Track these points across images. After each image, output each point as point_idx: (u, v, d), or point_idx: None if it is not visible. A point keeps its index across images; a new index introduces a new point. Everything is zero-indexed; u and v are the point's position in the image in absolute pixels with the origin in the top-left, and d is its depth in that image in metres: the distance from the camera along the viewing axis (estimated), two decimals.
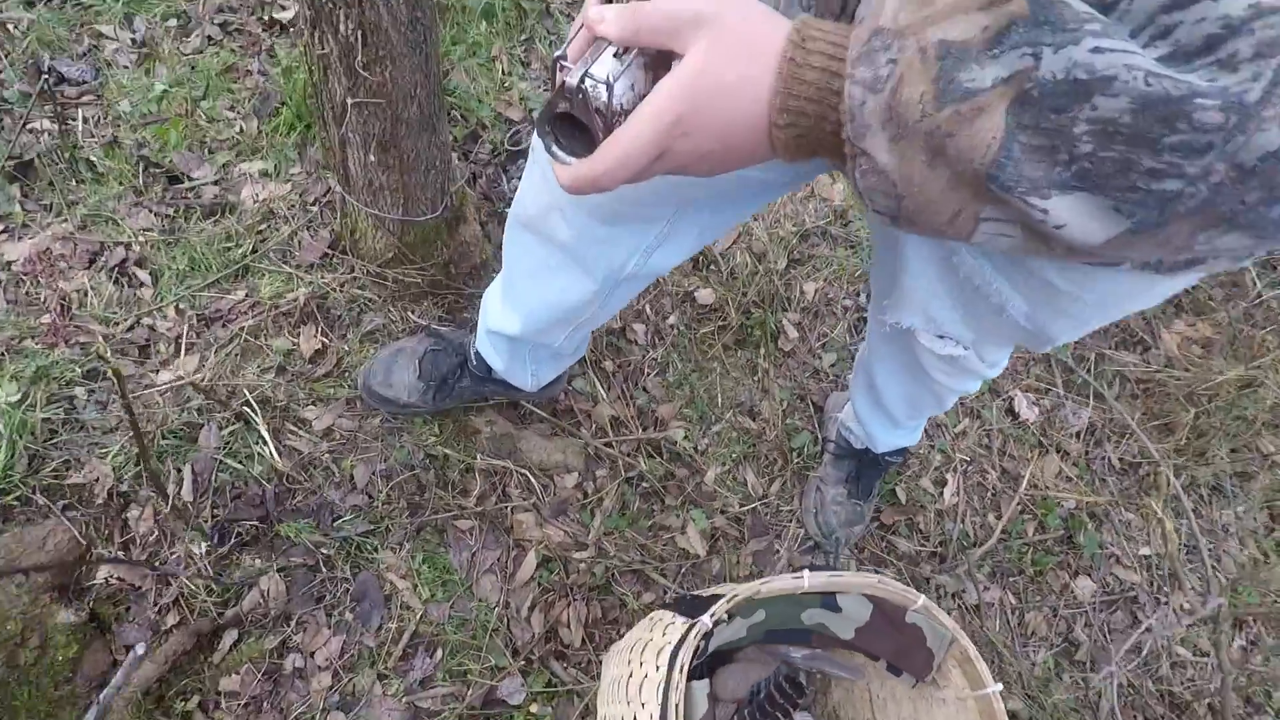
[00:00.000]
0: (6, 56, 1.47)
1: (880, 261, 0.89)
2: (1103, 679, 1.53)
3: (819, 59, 0.42)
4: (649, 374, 1.56)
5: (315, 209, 1.41)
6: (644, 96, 0.44)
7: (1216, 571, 1.77)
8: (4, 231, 1.33)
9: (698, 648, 0.80)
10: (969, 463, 1.70)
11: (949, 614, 1.51)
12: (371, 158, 1.11)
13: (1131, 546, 1.71)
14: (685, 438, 1.51)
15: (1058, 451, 1.77)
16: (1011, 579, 1.61)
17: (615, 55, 0.45)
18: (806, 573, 0.88)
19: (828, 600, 0.92)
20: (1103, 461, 1.79)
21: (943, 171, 0.40)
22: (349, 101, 1.01)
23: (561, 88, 0.46)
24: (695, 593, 1.02)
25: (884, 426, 1.35)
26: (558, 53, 0.47)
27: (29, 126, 1.40)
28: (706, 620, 0.83)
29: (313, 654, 1.16)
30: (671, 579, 1.38)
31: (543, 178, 0.84)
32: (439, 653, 1.23)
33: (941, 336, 0.89)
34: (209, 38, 1.61)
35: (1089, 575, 1.67)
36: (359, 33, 0.91)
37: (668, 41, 0.44)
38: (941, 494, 1.63)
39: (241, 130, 1.47)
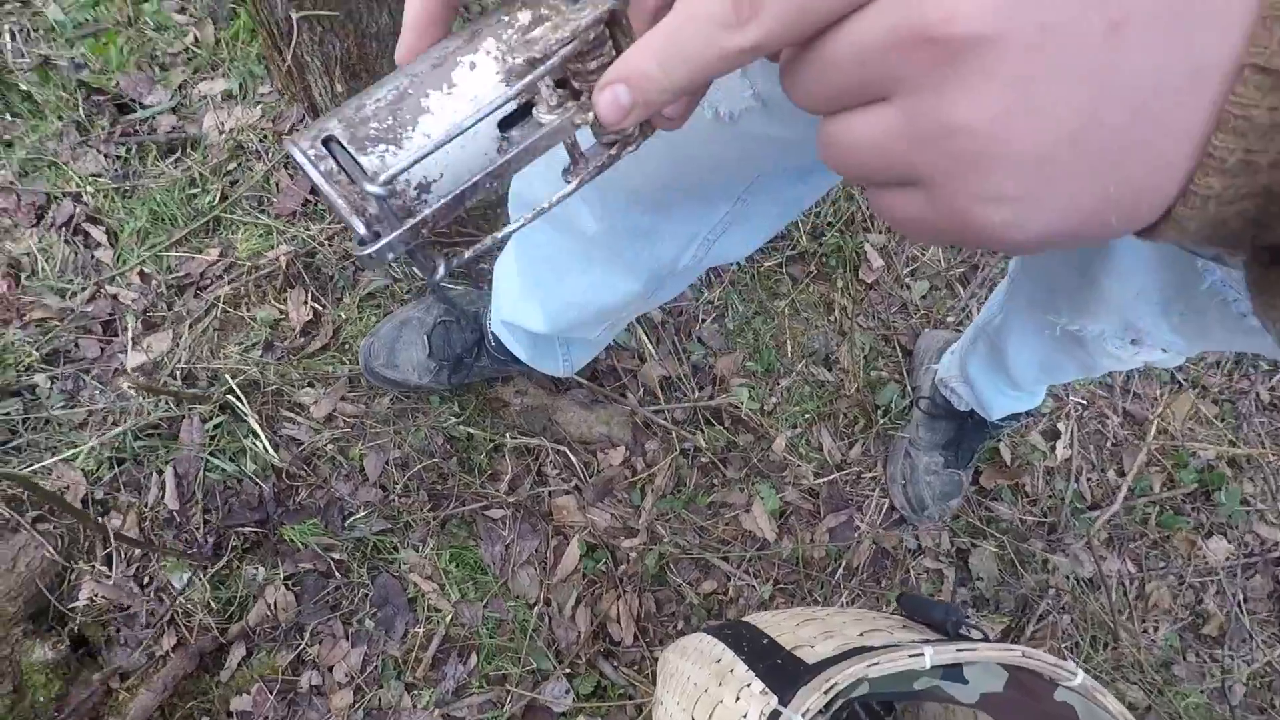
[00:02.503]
0: None
1: (1053, 256, 0.65)
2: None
3: None
4: (704, 321, 1.31)
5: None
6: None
7: None
8: None
9: None
10: (1086, 406, 1.43)
11: (1062, 595, 1.31)
12: (338, 86, 0.84)
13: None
14: (749, 397, 1.28)
15: (1195, 388, 1.48)
16: (1132, 544, 1.38)
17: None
18: (928, 650, 0.67)
19: (950, 672, 0.72)
20: (1251, 399, 1.50)
21: None
22: (293, 16, 0.74)
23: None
24: (770, 637, 0.83)
25: (1001, 391, 1.10)
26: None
27: None
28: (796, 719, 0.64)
29: (331, 668, 1.03)
30: (736, 565, 1.20)
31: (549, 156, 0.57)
32: (473, 658, 1.09)
33: (1135, 342, 0.65)
34: None
35: (1224, 535, 1.43)
36: None
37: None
38: (1053, 448, 1.38)
39: (196, 40, 1.19)
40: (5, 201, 1.11)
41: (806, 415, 1.30)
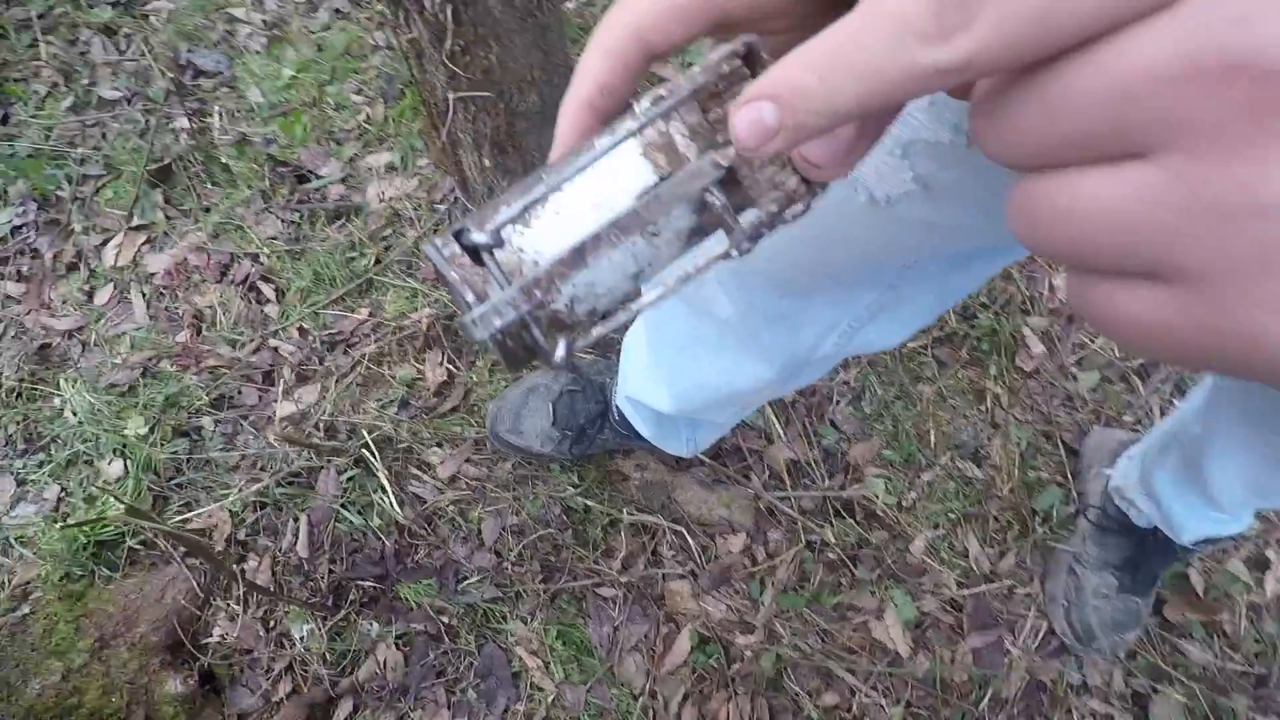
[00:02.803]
0: (151, 51, 1.41)
1: None
2: None
3: None
4: (838, 403, 1.23)
5: (443, 209, 1.21)
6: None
7: None
8: (147, 241, 1.28)
9: None
10: None
11: None
12: (486, 161, 0.87)
13: None
14: (886, 490, 1.17)
15: None
16: None
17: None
18: None
19: None
20: None
21: None
22: (450, 97, 0.77)
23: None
24: None
25: (1196, 511, 0.94)
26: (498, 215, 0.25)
27: (169, 126, 1.33)
28: None
29: None
30: (862, 679, 1.08)
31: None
32: None
33: None
34: (336, 10, 1.45)
35: None
36: (448, 8, 0.65)
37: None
38: (1261, 581, 1.16)
39: (368, 117, 1.30)
40: (198, 259, 1.24)
41: (950, 515, 1.18)
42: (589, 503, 1.12)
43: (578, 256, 0.23)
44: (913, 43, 0.16)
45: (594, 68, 0.26)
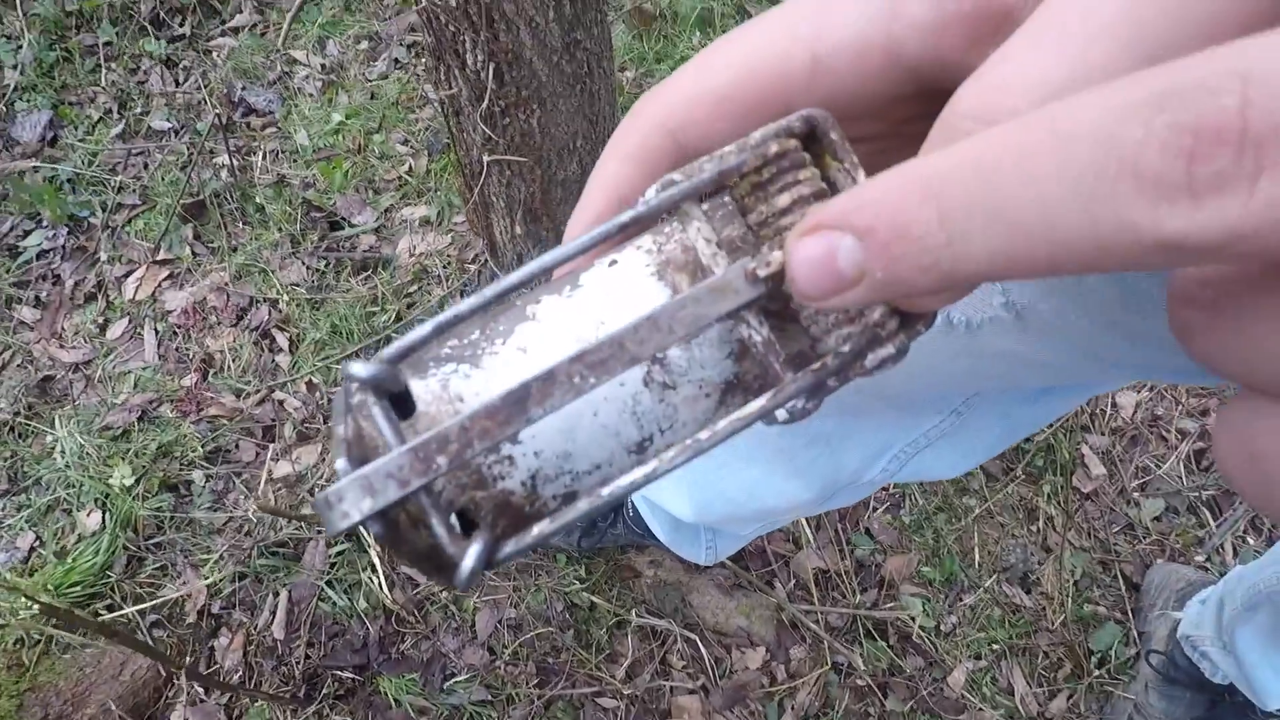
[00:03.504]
0: (207, 86, 1.41)
1: None
2: None
3: None
4: (875, 509, 1.13)
5: (473, 269, 1.16)
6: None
7: None
8: (170, 277, 1.24)
9: None
10: None
11: None
12: (518, 228, 0.81)
13: None
14: (924, 612, 1.06)
15: None
16: None
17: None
18: None
19: None
20: None
21: None
22: (485, 159, 0.72)
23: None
24: None
25: None
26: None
27: (211, 161, 1.31)
28: None
29: None
30: None
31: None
32: None
33: None
34: (395, 60, 1.44)
35: None
36: (491, 66, 0.61)
37: None
38: None
39: (410, 169, 1.27)
40: (217, 300, 1.20)
41: (994, 646, 1.06)
42: (595, 599, 1.02)
43: (516, 404, 0.15)
44: (1130, 193, 0.10)
45: (611, 176, 0.19)
